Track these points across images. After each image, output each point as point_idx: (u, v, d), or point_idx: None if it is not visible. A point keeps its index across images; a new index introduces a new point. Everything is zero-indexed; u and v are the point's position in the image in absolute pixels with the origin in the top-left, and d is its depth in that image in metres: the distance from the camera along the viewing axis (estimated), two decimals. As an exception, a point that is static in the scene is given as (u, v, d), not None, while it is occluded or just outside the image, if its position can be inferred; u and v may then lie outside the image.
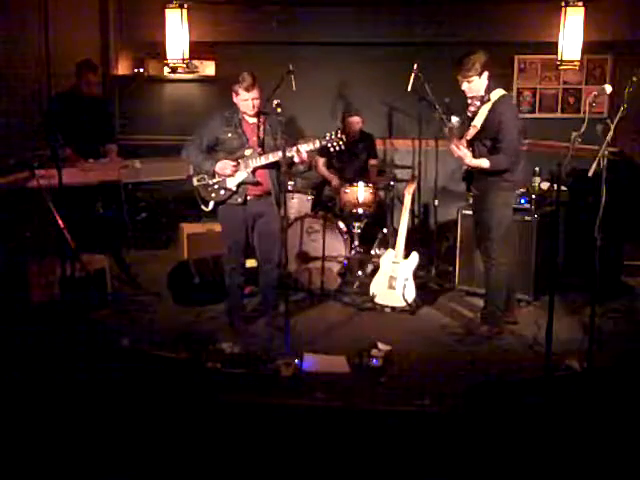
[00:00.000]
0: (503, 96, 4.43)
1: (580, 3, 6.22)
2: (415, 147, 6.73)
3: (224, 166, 4.45)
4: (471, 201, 4.92)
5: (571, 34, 6.27)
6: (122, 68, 7.28)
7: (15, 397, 3.44)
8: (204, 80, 7.20)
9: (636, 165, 5.98)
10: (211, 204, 4.56)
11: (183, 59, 6.76)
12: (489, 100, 4.37)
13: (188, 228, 5.92)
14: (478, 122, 4.38)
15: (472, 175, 4.60)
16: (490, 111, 4.36)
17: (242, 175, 4.49)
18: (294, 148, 4.41)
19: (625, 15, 6.48)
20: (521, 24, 6.66)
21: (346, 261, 5.63)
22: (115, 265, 5.46)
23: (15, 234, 4.66)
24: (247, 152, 4.48)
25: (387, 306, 5.17)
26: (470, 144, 4.46)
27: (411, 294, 5.12)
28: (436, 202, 6.06)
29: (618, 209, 5.00)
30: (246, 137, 4.51)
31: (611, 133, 3.70)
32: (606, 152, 3.69)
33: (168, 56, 6.76)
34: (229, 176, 4.48)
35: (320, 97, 7.03)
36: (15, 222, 4.68)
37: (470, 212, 5.38)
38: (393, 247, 5.26)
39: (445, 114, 5.91)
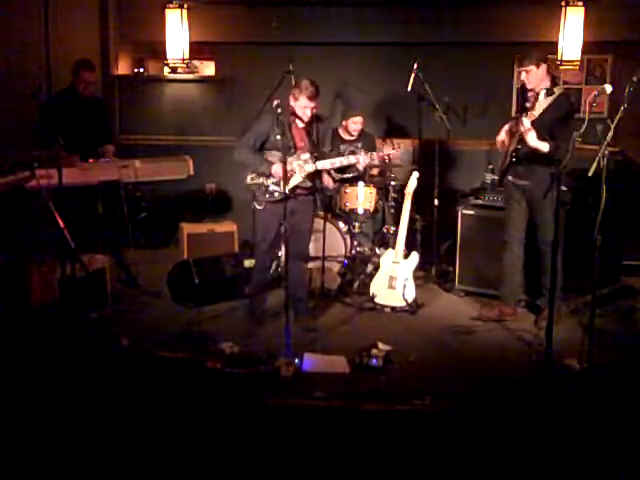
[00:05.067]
0: (565, 94, 4.53)
1: (580, 3, 6.22)
2: (415, 147, 6.74)
3: (280, 171, 4.42)
4: (513, 192, 4.85)
5: (571, 34, 6.27)
6: (122, 68, 7.28)
7: (15, 397, 3.44)
8: (204, 80, 7.21)
9: (636, 165, 5.98)
10: (263, 203, 4.62)
11: (183, 59, 6.77)
12: (553, 94, 4.43)
13: (188, 228, 5.90)
14: (537, 112, 4.42)
15: (517, 164, 4.64)
16: (550, 105, 4.42)
17: (297, 179, 4.58)
18: (353, 158, 4.68)
19: (625, 15, 6.47)
20: (521, 24, 6.65)
21: (346, 261, 5.63)
22: (115, 265, 5.46)
23: (15, 234, 4.65)
24: (303, 157, 4.57)
25: (387, 306, 5.17)
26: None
27: (411, 294, 5.12)
28: (436, 202, 6.05)
29: (618, 209, 4.99)
30: (294, 141, 4.58)
31: (611, 133, 3.71)
32: (606, 152, 3.70)
33: (168, 56, 6.77)
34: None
35: (320, 97, 7.01)
36: (15, 222, 4.67)
37: (471, 212, 5.40)
38: (393, 247, 5.26)
39: (445, 114, 5.95)
